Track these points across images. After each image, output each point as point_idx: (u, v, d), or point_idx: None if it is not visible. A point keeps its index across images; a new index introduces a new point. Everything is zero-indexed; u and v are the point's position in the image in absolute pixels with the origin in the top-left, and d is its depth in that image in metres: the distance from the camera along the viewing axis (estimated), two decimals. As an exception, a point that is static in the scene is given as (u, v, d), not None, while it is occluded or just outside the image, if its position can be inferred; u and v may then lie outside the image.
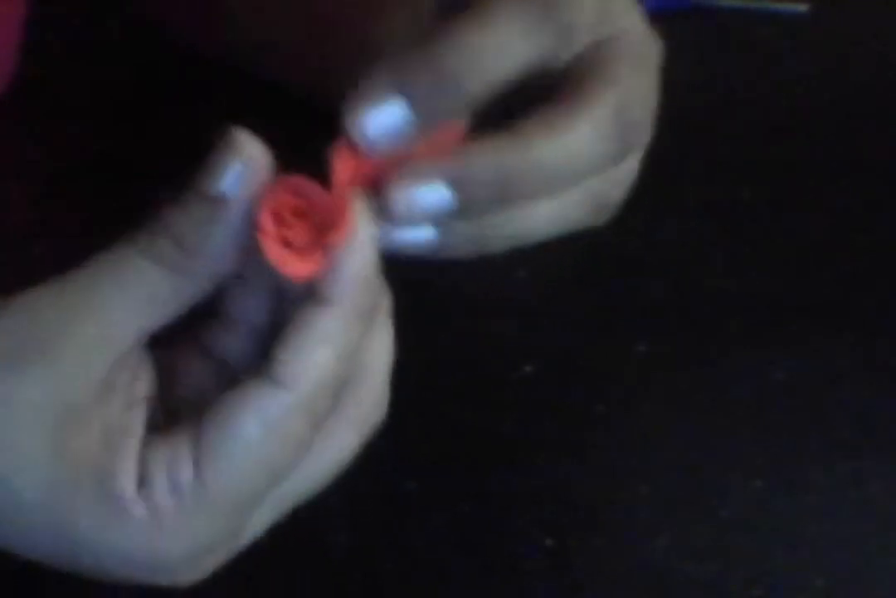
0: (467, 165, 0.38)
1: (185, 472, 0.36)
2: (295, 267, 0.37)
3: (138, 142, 0.62)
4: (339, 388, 0.38)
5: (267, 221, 0.37)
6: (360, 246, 0.37)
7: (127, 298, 0.38)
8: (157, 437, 0.37)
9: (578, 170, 0.39)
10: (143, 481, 0.37)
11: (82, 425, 0.37)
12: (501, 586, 0.48)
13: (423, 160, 0.38)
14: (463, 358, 0.54)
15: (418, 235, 0.39)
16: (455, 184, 0.38)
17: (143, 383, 0.38)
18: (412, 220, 0.38)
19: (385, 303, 0.39)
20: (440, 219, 0.38)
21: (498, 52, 0.37)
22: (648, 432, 0.53)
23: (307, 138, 0.59)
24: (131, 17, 0.65)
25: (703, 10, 0.70)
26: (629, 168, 0.43)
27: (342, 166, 0.38)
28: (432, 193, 0.38)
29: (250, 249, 0.37)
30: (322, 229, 0.37)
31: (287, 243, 0.37)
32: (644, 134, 0.42)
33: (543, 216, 0.41)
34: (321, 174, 0.38)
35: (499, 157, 0.38)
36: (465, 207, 0.38)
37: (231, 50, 0.58)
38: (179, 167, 0.61)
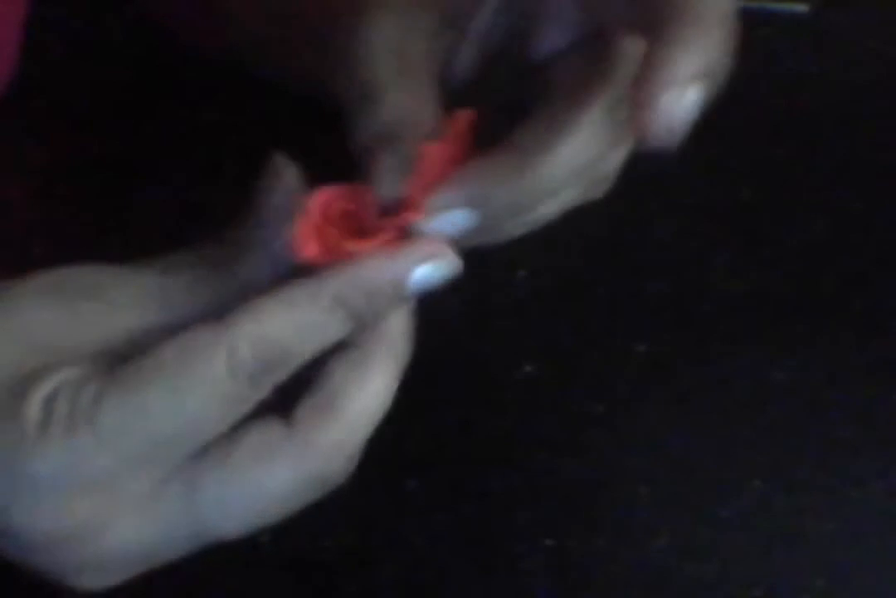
0: (484, 192, 0.39)
1: (89, 391, 0.36)
2: (311, 249, 0.37)
3: (138, 142, 0.62)
4: (281, 369, 0.37)
5: (314, 210, 0.38)
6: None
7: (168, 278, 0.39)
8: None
9: (581, 171, 0.41)
10: (49, 395, 0.36)
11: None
12: (501, 586, 0.48)
13: (446, 188, 0.39)
14: (463, 358, 0.54)
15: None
16: (474, 210, 0.39)
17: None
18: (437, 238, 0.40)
19: (399, 353, 0.39)
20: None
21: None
22: (648, 432, 0.53)
23: (307, 138, 0.60)
24: (131, 16, 0.65)
25: (703, 10, 0.70)
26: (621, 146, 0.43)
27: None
28: (456, 219, 0.39)
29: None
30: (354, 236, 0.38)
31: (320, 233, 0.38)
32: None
33: (551, 206, 0.42)
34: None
35: (511, 181, 0.40)
36: (482, 224, 0.40)
37: (231, 50, 0.58)
38: (179, 167, 0.61)
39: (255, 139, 0.61)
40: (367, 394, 0.38)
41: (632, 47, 0.41)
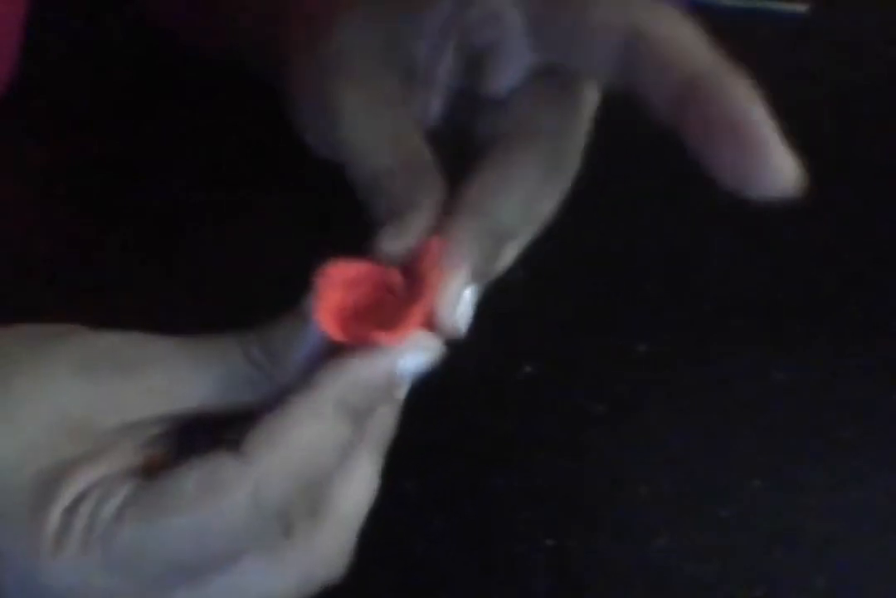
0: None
1: (109, 507, 0.36)
2: (333, 330, 0.37)
3: (138, 142, 0.62)
4: (298, 488, 0.37)
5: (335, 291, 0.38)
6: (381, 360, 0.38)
7: (201, 370, 0.38)
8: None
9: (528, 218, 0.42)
10: (70, 506, 0.36)
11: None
12: (501, 586, 0.48)
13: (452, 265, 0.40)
14: (463, 358, 0.54)
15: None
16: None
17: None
18: None
19: (382, 436, 0.39)
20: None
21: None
22: (648, 432, 0.53)
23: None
24: (131, 16, 0.65)
25: (703, 10, 0.70)
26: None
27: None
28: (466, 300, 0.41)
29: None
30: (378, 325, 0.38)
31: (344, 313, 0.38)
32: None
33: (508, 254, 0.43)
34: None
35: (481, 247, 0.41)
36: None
37: (231, 50, 0.58)
38: (179, 167, 0.61)
39: (255, 139, 0.62)
40: (354, 490, 0.39)
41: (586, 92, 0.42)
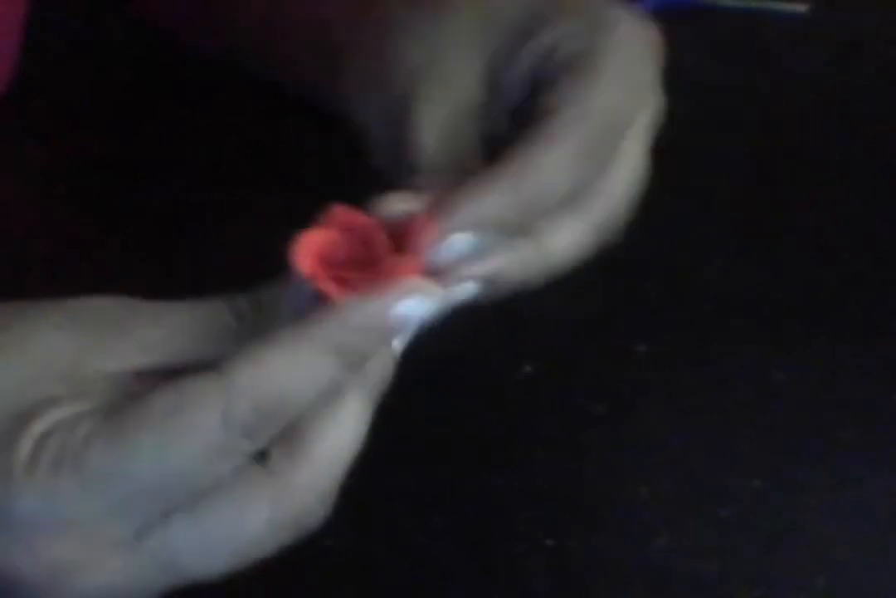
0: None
1: (80, 432, 0.36)
2: (334, 290, 0.37)
3: (138, 142, 0.62)
4: (279, 417, 0.36)
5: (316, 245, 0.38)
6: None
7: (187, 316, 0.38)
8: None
9: (570, 188, 0.42)
10: (42, 435, 0.36)
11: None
12: (501, 586, 0.48)
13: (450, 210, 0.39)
14: (463, 358, 0.54)
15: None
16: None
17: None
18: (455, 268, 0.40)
19: (374, 383, 0.39)
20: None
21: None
22: (648, 432, 0.53)
23: (307, 138, 0.60)
24: (131, 16, 0.65)
25: (703, 10, 0.70)
26: (622, 183, 0.44)
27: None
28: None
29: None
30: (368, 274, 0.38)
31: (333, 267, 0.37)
32: (631, 138, 0.44)
33: (559, 254, 0.43)
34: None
35: (505, 193, 0.40)
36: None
37: (231, 50, 0.58)
38: (179, 167, 0.61)
39: (255, 139, 0.62)
40: (338, 432, 0.38)
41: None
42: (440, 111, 0.44)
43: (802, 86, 0.67)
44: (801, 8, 0.71)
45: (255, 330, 0.38)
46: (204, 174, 0.60)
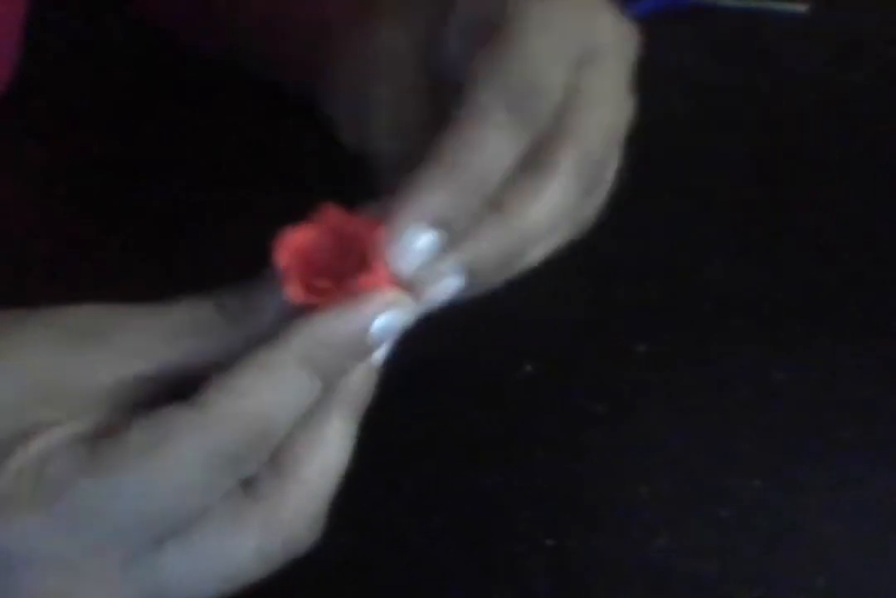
0: (477, 256, 0.40)
1: (62, 465, 0.35)
2: (298, 294, 0.37)
3: (138, 142, 0.62)
4: (264, 443, 0.36)
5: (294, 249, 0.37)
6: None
7: (168, 322, 0.38)
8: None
9: (558, 222, 0.42)
10: (25, 467, 0.35)
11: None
12: (501, 586, 0.48)
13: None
14: (463, 358, 0.54)
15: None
16: (468, 273, 0.40)
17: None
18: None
19: (356, 400, 0.38)
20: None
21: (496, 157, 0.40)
22: (648, 432, 0.53)
23: (307, 138, 0.60)
24: (131, 16, 0.65)
25: (703, 10, 0.70)
26: (604, 190, 0.44)
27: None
28: (450, 284, 0.40)
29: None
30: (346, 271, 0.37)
31: (311, 272, 0.37)
32: (608, 167, 0.44)
33: (533, 222, 0.42)
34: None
35: (498, 241, 0.40)
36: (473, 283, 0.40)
37: (231, 50, 0.58)
38: (179, 167, 0.61)
39: (255, 139, 0.62)
40: (324, 454, 0.37)
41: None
42: (389, 97, 0.44)
43: (802, 86, 0.67)
44: (801, 8, 0.71)
45: (245, 327, 0.37)
46: (204, 174, 0.60)
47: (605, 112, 0.42)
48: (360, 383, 0.38)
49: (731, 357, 0.55)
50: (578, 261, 0.57)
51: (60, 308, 0.39)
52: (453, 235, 0.39)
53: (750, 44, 0.69)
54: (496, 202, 0.40)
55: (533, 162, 0.41)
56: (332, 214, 0.38)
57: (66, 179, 0.60)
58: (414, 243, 0.38)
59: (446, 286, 0.39)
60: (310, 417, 0.37)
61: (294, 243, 0.37)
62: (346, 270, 0.37)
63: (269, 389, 0.36)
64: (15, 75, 0.57)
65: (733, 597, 0.48)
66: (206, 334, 0.38)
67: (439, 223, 0.38)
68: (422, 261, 0.39)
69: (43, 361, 0.37)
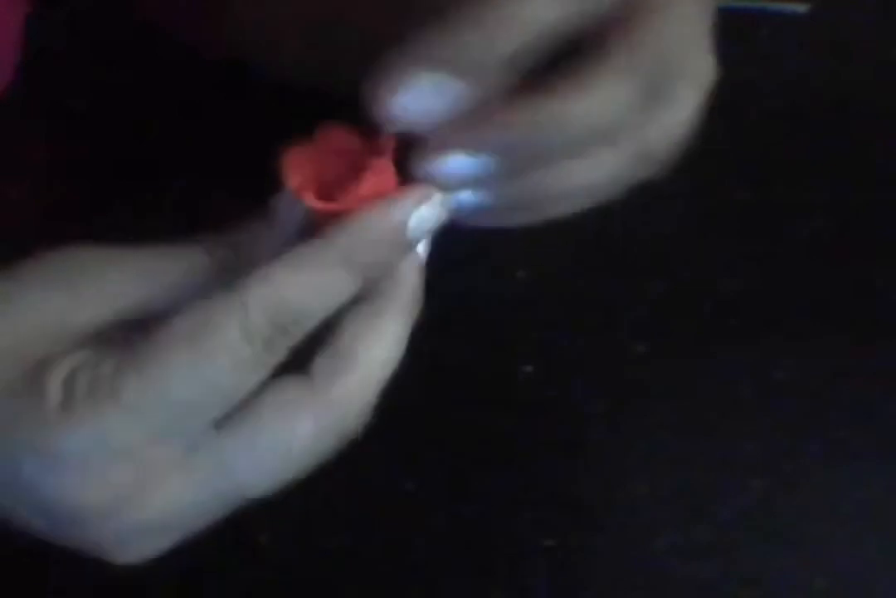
0: (504, 127, 0.38)
1: (107, 367, 0.36)
2: (318, 203, 0.37)
3: (138, 142, 0.62)
4: (295, 331, 0.37)
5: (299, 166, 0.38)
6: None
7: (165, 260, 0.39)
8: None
9: (608, 125, 0.39)
10: (68, 377, 0.37)
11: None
12: (501, 586, 0.48)
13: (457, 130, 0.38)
14: (463, 358, 0.54)
15: (458, 199, 0.39)
16: (492, 148, 0.38)
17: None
18: (451, 187, 0.39)
19: (409, 298, 0.39)
20: (479, 183, 0.39)
21: (534, 17, 0.37)
22: (648, 432, 0.53)
23: (307, 138, 0.60)
24: (131, 17, 0.65)
25: (703, 10, 0.70)
26: (674, 119, 0.42)
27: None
28: (470, 160, 0.38)
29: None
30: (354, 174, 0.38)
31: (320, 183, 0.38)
32: (679, 81, 0.42)
33: (589, 174, 0.40)
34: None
35: (533, 116, 0.38)
36: (502, 170, 0.38)
37: (232, 50, 0.58)
38: (179, 167, 0.61)
39: (256, 139, 0.62)
40: (380, 345, 0.39)
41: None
42: None
43: (802, 86, 0.67)
44: (801, 8, 0.71)
45: (236, 272, 0.38)
46: (204, 174, 0.60)
47: (674, 20, 0.41)
48: (410, 281, 0.39)
49: (731, 357, 0.55)
50: (578, 261, 0.57)
51: (55, 253, 0.40)
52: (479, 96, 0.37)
53: (750, 44, 0.69)
54: (540, 83, 0.38)
55: (578, 45, 0.39)
56: (334, 132, 0.38)
57: (66, 179, 0.60)
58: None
59: (465, 162, 0.38)
60: (366, 312, 0.39)
61: (300, 162, 0.38)
62: (352, 184, 0.38)
63: (302, 280, 0.37)
64: (15, 75, 0.57)
65: (733, 597, 0.48)
66: (198, 280, 0.39)
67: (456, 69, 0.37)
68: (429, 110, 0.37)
69: (46, 305, 0.39)
